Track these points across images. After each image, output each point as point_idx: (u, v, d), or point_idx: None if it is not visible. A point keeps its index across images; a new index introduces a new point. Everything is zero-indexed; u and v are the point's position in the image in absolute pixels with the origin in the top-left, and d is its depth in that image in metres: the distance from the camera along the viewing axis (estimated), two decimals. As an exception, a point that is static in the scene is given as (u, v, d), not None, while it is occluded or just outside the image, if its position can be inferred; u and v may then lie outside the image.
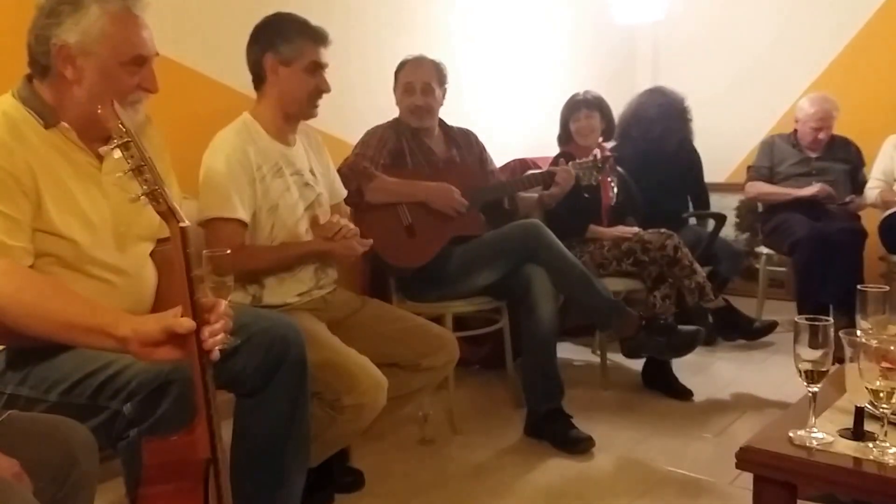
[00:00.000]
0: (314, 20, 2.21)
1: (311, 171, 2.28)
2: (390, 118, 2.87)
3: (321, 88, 2.20)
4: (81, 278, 1.52)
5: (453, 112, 2.99)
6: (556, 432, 2.60)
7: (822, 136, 3.81)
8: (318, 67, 2.18)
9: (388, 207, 2.68)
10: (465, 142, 2.97)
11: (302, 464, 1.85)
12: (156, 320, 1.25)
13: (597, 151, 3.11)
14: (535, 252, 2.65)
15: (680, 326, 2.82)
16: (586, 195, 3.16)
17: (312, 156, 2.32)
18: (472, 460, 2.51)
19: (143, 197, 1.24)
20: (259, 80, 2.22)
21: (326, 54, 2.21)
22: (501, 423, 2.81)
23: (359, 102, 3.12)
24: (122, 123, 1.24)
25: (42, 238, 1.47)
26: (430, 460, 2.53)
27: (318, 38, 2.18)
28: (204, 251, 1.61)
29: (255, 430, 1.75)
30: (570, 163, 3.04)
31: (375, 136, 2.76)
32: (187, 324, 1.21)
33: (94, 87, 1.51)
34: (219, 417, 1.25)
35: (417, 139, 2.83)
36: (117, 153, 1.23)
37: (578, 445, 2.55)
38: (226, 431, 1.82)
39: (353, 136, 2.85)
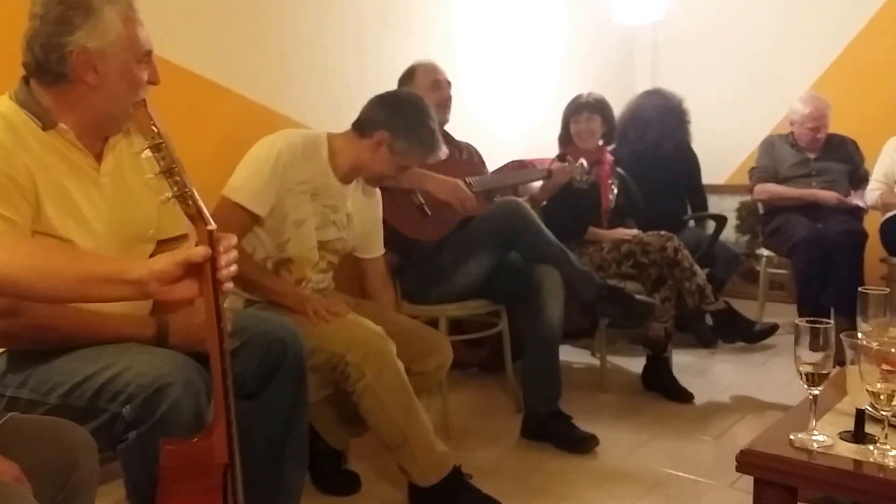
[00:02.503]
0: (313, 20, 2.21)
1: (347, 216, 2.28)
2: None
3: (392, 177, 2.31)
4: None
5: (453, 113, 2.99)
6: (559, 433, 2.60)
7: (820, 135, 3.81)
8: (405, 171, 2.32)
9: (399, 192, 2.67)
10: (466, 152, 3.04)
11: (301, 465, 1.85)
12: (170, 256, 1.25)
13: (582, 160, 3.11)
14: (516, 231, 2.64)
15: (637, 297, 2.81)
16: (583, 189, 3.16)
17: (360, 204, 2.34)
18: (471, 463, 2.49)
19: (172, 198, 1.25)
20: (360, 133, 2.24)
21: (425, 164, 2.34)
22: (500, 426, 2.81)
23: (356, 102, 3.12)
24: (154, 124, 1.25)
25: None
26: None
27: (429, 154, 2.27)
28: None
29: (255, 433, 1.75)
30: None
31: None
32: (203, 251, 1.22)
33: (115, 89, 1.52)
34: (236, 423, 1.25)
35: None
36: (147, 154, 1.25)
37: (584, 445, 2.55)
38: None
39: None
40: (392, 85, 2.93)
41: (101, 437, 1.35)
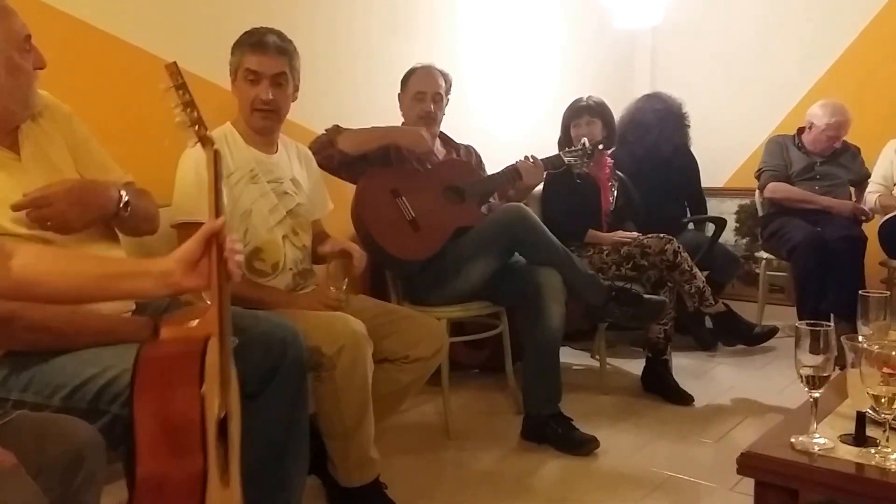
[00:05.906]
0: (318, 25, 2.19)
1: (293, 181, 2.29)
2: (391, 121, 2.88)
3: (259, 98, 2.15)
4: None
5: (455, 116, 3.00)
6: (559, 435, 2.60)
7: (837, 144, 3.80)
8: (255, 76, 2.15)
9: (389, 204, 2.67)
10: (465, 153, 3.04)
11: (303, 465, 1.86)
12: (191, 238, 1.33)
13: (585, 140, 3.12)
14: (520, 236, 2.64)
15: (646, 296, 2.80)
16: (579, 181, 3.17)
17: (297, 167, 2.34)
18: (472, 465, 2.51)
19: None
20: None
21: (267, 63, 2.13)
22: (501, 428, 2.81)
23: (362, 105, 3.13)
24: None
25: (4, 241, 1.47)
26: (429, 465, 2.53)
27: (252, 46, 2.14)
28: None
29: (255, 433, 1.75)
30: (561, 151, 3.08)
31: None
32: (221, 221, 1.32)
33: (6, 86, 1.51)
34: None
35: None
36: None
37: (584, 447, 2.55)
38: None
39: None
40: (397, 88, 2.94)
41: (103, 439, 1.35)
